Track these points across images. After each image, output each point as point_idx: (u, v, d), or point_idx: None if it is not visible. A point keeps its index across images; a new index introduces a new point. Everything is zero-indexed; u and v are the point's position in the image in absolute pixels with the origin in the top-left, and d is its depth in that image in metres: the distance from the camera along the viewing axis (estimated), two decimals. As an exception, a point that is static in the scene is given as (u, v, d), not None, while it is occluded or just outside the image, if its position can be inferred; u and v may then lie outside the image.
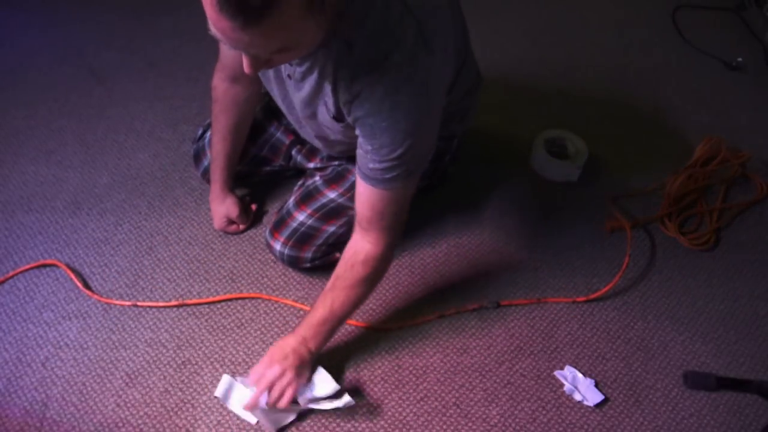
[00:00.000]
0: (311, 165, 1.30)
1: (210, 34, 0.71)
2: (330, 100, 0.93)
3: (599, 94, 1.70)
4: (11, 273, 1.27)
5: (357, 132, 0.91)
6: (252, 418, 1.05)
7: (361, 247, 1.01)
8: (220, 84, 1.20)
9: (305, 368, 1.03)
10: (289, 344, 1.02)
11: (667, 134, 1.59)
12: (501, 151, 1.53)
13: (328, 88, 0.91)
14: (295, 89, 0.98)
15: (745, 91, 1.73)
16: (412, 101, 0.86)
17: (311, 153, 1.30)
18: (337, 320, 1.04)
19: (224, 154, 1.26)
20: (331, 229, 1.19)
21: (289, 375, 0.99)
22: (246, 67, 0.77)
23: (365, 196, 0.97)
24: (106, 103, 1.66)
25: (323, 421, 1.07)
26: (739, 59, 1.79)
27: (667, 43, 1.89)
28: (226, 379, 1.06)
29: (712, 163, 1.47)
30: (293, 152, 1.32)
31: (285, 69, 0.96)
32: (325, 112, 0.97)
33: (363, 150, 0.92)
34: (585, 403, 1.09)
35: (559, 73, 1.77)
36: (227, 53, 1.14)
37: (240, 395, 1.04)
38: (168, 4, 1.99)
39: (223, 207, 1.31)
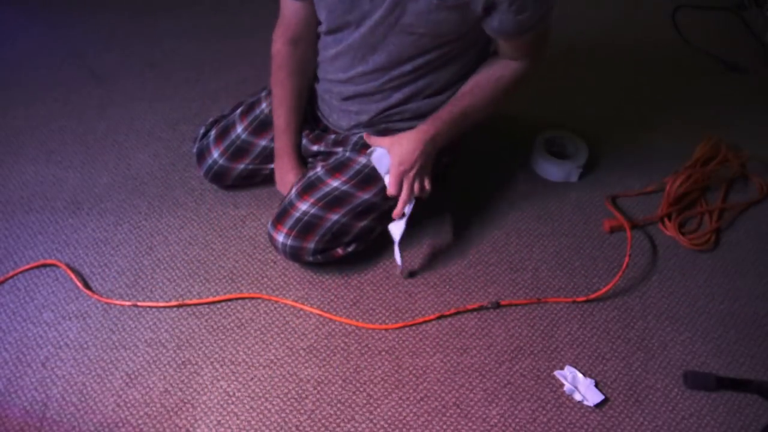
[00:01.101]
0: (315, 148, 1.29)
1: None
2: None
3: (599, 94, 1.70)
4: (11, 273, 1.27)
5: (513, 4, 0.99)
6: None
7: (514, 63, 1.13)
8: (283, 48, 1.19)
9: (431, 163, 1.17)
10: (423, 139, 1.13)
11: (667, 134, 1.59)
12: (501, 151, 1.53)
13: None
14: None
15: (745, 91, 1.73)
16: None
17: (318, 138, 1.30)
18: (469, 120, 1.17)
19: (295, 123, 1.27)
20: (335, 217, 1.19)
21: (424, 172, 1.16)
22: None
23: (511, 47, 1.10)
24: (106, 103, 1.66)
25: (323, 421, 1.07)
26: (739, 59, 1.79)
27: (667, 43, 1.89)
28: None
29: (712, 163, 1.47)
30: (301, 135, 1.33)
31: None
32: (423, 1, 1.00)
33: (505, 14, 1.01)
34: (585, 403, 1.09)
35: (559, 72, 1.77)
36: (291, 9, 1.14)
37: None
38: (168, 5, 2.00)
39: (298, 176, 1.30)
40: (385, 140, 1.17)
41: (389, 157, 1.15)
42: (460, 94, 1.16)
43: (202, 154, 1.36)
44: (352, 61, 1.14)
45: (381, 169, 1.18)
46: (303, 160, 1.33)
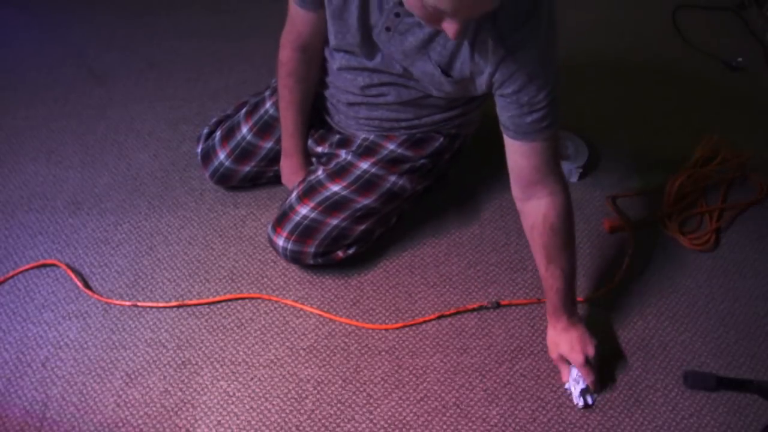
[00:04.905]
0: (319, 149, 1.30)
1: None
2: (443, 53, 0.99)
3: (599, 94, 1.70)
4: (11, 273, 1.27)
5: (507, 89, 0.97)
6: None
7: (546, 204, 1.04)
8: (293, 54, 1.18)
9: None
10: (580, 329, 1.09)
11: (667, 134, 1.59)
12: (501, 151, 1.52)
13: (441, 42, 0.97)
14: (392, 42, 1.02)
15: (745, 91, 1.73)
16: (553, 46, 0.97)
17: (322, 139, 1.31)
18: (573, 280, 1.09)
19: (303, 125, 1.27)
20: (335, 222, 1.19)
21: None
22: (453, 34, 0.82)
23: (529, 152, 1.01)
24: (106, 103, 1.66)
25: (323, 421, 1.07)
26: (739, 59, 1.79)
27: (667, 43, 1.89)
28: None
29: (712, 163, 1.47)
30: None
31: (384, 22, 1.00)
32: (430, 66, 1.02)
33: (517, 105, 0.97)
34: (584, 401, 1.09)
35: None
36: (301, 19, 1.13)
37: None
38: (168, 5, 2.00)
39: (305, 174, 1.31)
40: (563, 360, 1.10)
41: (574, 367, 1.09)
42: (544, 274, 1.07)
43: (207, 156, 1.36)
44: (356, 77, 1.14)
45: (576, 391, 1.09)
46: (309, 159, 1.33)
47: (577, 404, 1.08)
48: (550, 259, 1.05)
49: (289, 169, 1.32)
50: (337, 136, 1.28)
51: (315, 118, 1.32)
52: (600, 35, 1.91)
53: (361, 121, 1.23)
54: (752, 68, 1.79)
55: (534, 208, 1.05)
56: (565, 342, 1.09)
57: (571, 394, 1.10)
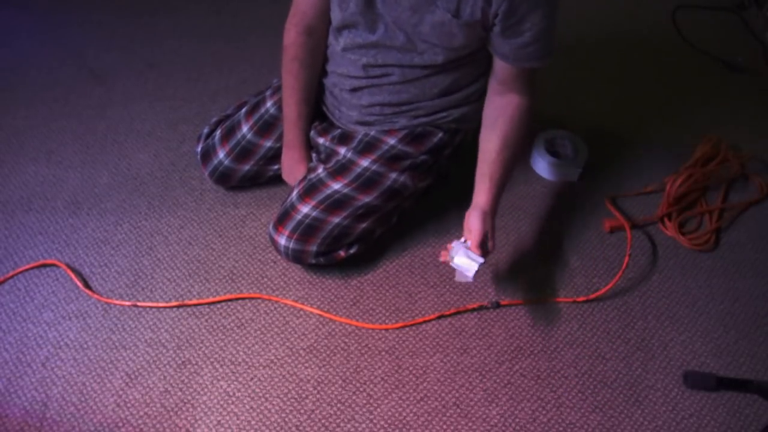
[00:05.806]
0: (321, 140, 1.29)
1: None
2: None
3: (599, 94, 1.70)
4: (11, 273, 1.27)
5: (512, 20, 1.00)
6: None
7: (519, 100, 1.13)
8: (297, 38, 1.18)
9: None
10: (485, 212, 1.10)
11: (667, 134, 1.59)
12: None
13: None
14: (399, 1, 1.03)
15: (745, 91, 1.73)
16: None
17: (324, 131, 1.30)
18: (508, 180, 1.16)
19: (306, 115, 1.27)
20: (336, 220, 1.19)
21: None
22: None
23: (521, 73, 1.10)
24: (106, 103, 1.66)
25: (323, 421, 1.07)
26: (739, 59, 1.79)
27: (667, 43, 1.89)
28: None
29: (712, 163, 1.47)
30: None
31: None
32: (439, 14, 1.02)
33: (519, 35, 1.02)
34: (467, 273, 1.05)
35: (559, 72, 1.76)
36: (307, 0, 1.14)
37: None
38: (168, 5, 2.00)
39: (306, 167, 1.31)
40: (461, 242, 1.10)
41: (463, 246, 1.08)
42: (492, 157, 1.12)
43: (207, 155, 1.36)
44: (361, 57, 1.14)
45: (468, 270, 1.07)
46: (310, 153, 1.33)
47: (468, 276, 1.07)
48: (505, 146, 1.12)
49: (291, 160, 1.31)
50: (338, 130, 1.28)
51: (317, 112, 1.32)
52: (600, 35, 1.91)
53: (363, 110, 1.23)
54: (752, 68, 1.79)
55: (508, 100, 1.13)
56: (478, 219, 1.09)
57: (459, 268, 1.06)
